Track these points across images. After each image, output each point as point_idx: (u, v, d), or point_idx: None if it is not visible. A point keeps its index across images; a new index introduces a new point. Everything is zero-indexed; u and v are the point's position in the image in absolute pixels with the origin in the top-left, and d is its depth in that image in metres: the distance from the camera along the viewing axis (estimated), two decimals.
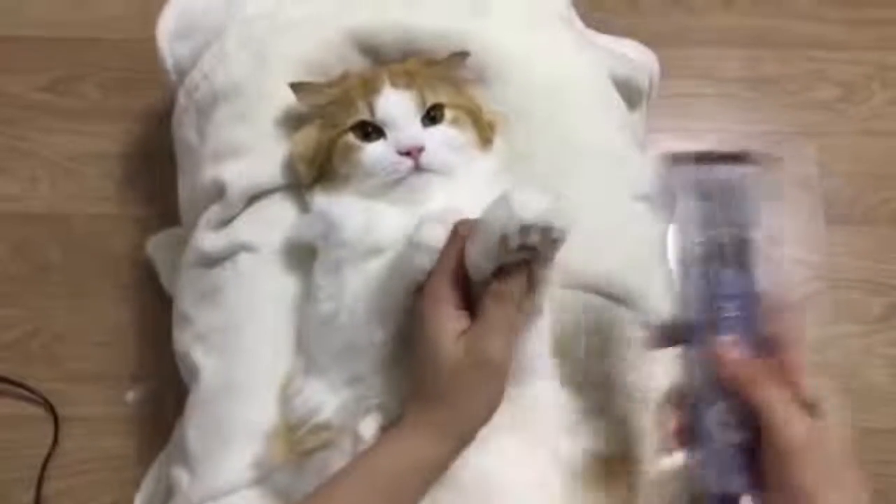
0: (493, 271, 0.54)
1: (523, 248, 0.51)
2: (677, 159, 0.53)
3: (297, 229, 0.72)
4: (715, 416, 0.51)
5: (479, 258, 0.53)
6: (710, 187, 0.53)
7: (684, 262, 0.53)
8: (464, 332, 0.54)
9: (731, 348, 0.52)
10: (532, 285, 0.56)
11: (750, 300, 0.53)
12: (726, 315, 0.52)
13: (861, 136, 1.09)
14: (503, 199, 0.51)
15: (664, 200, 0.54)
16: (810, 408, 0.50)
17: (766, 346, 0.53)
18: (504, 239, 0.50)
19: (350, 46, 0.77)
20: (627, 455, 0.66)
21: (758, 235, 0.54)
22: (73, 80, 1.09)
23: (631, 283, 0.73)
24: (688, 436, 0.53)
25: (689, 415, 0.53)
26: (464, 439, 0.57)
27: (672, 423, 0.54)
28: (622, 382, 0.69)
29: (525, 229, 0.50)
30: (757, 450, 0.51)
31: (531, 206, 0.49)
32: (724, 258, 0.53)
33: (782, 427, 0.49)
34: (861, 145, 1.09)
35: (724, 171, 0.53)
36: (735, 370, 0.51)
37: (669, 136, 1.08)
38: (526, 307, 0.57)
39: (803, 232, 1.04)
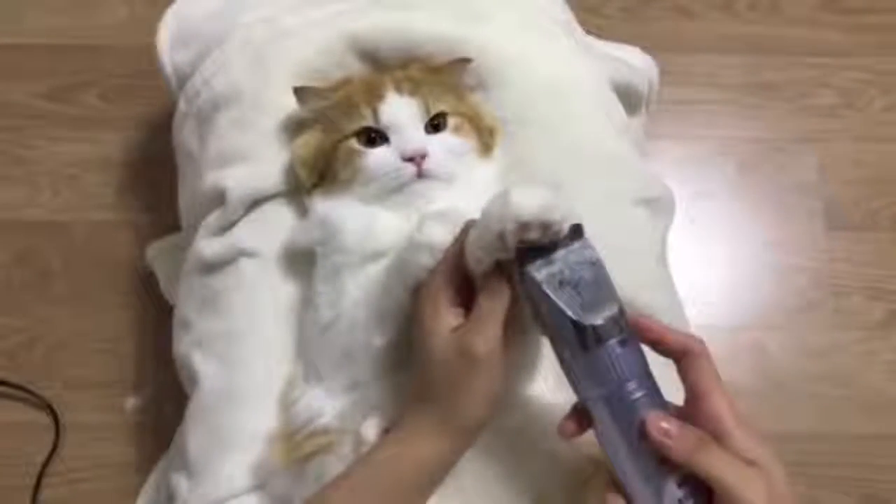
0: (491, 267, 0.54)
1: (521, 243, 0.51)
2: (530, 255, 0.51)
3: (296, 235, 0.72)
4: (670, 494, 0.49)
5: (477, 254, 0.53)
6: (569, 275, 0.51)
7: (574, 354, 0.51)
8: (458, 329, 0.55)
9: (660, 425, 0.49)
10: None
11: (647, 373, 0.52)
12: (638, 395, 0.50)
13: (862, 142, 1.09)
14: (501, 196, 0.51)
15: (540, 301, 0.52)
16: (750, 464, 0.48)
17: (682, 412, 0.52)
18: (502, 235, 0.50)
19: (350, 53, 0.78)
20: None
21: (619, 303, 0.52)
22: (74, 87, 1.09)
23: (629, 287, 0.72)
24: None
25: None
26: (462, 438, 0.56)
27: None
28: None
29: (523, 226, 0.50)
30: None
31: (529, 203, 0.49)
32: (607, 340, 0.50)
33: (739, 491, 0.47)
34: (861, 151, 1.09)
35: (573, 253, 0.52)
36: (678, 444, 0.49)
37: (669, 143, 1.08)
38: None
39: (803, 238, 1.04)
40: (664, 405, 0.52)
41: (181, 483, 0.71)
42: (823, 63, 1.12)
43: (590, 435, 0.65)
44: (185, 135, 0.81)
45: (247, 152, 0.75)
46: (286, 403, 0.68)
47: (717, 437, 0.50)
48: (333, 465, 0.60)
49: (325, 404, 0.64)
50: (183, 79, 0.82)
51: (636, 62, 0.92)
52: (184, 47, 0.82)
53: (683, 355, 0.52)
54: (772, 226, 1.05)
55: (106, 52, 1.10)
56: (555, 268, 0.51)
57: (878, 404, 0.97)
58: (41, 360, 0.97)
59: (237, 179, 0.74)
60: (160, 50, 0.83)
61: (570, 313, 0.50)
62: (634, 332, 0.52)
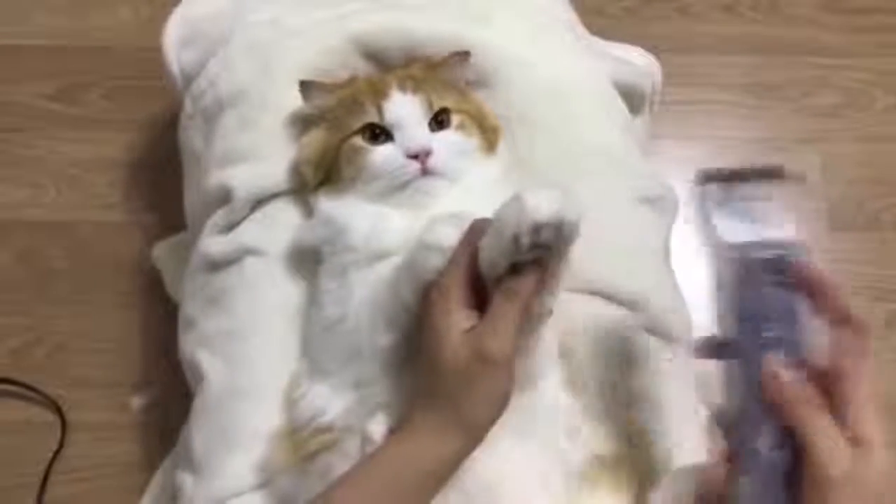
0: (505, 270, 0.54)
1: (536, 246, 0.52)
2: (709, 177, 0.52)
3: (302, 233, 0.73)
4: (762, 438, 0.49)
5: (491, 257, 0.54)
6: (744, 205, 0.51)
7: (722, 283, 0.52)
8: (469, 329, 0.55)
9: (779, 368, 0.49)
10: (545, 284, 0.56)
11: (794, 321, 0.51)
12: (770, 335, 0.50)
13: (863, 142, 1.09)
14: (516, 200, 0.51)
15: (698, 220, 0.52)
16: (856, 441, 0.48)
17: (816, 371, 0.51)
18: (517, 238, 0.51)
19: (354, 52, 0.78)
20: (630, 458, 0.66)
21: (796, 253, 0.51)
22: (79, 88, 1.09)
23: (633, 286, 0.73)
24: (735, 457, 0.51)
25: (736, 435, 0.51)
26: (470, 438, 0.56)
27: (720, 445, 0.52)
28: (624, 384, 0.69)
29: (537, 228, 0.50)
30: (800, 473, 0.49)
31: (544, 206, 0.50)
32: (763, 277, 0.50)
33: (824, 458, 0.46)
34: (863, 151, 1.09)
35: (756, 189, 0.52)
36: (782, 392, 0.49)
37: (671, 143, 1.08)
38: (537, 306, 0.57)
39: (806, 239, 1.04)
40: (800, 357, 0.50)
41: (186, 481, 0.71)
42: (825, 63, 1.13)
43: (590, 435, 0.66)
44: (190, 134, 0.82)
45: (252, 151, 0.76)
46: (290, 401, 0.68)
47: (839, 406, 0.49)
48: (338, 463, 0.61)
49: (329, 402, 0.64)
50: (189, 79, 0.82)
51: (639, 62, 0.92)
52: (190, 47, 0.83)
53: (845, 322, 0.51)
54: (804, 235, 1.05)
55: (110, 52, 1.11)
56: (744, 193, 0.52)
57: (881, 405, 0.97)
58: (46, 359, 0.97)
59: (242, 178, 0.74)
60: (166, 50, 0.83)
61: (745, 240, 0.50)
62: (801, 277, 0.51)
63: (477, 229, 0.56)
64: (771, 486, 0.49)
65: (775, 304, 0.50)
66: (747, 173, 0.52)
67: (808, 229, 0.52)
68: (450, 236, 0.56)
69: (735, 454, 0.51)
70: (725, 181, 0.52)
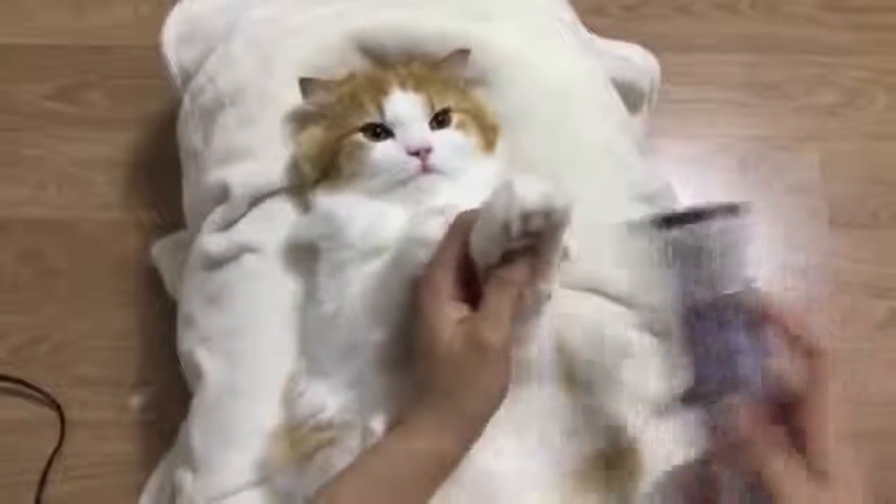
0: (497, 259, 0.54)
1: (526, 234, 0.52)
2: (667, 221, 0.51)
3: (299, 229, 0.73)
4: (734, 482, 0.49)
5: (482, 246, 0.54)
6: (706, 245, 0.50)
7: (689, 324, 0.50)
8: (461, 321, 0.55)
9: (743, 412, 0.49)
10: (537, 272, 0.56)
11: (761, 359, 0.50)
12: (740, 375, 0.50)
13: (863, 141, 1.09)
14: (504, 188, 0.51)
15: (656, 265, 0.51)
16: (821, 476, 0.47)
17: (784, 407, 0.51)
18: (506, 226, 0.51)
19: (353, 50, 0.78)
20: (626, 455, 0.66)
21: (756, 288, 0.51)
22: (79, 87, 1.09)
23: (629, 284, 0.73)
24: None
25: (711, 482, 0.51)
26: (468, 432, 0.56)
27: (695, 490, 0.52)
28: (621, 381, 0.69)
29: (526, 215, 0.50)
30: None
31: (532, 193, 0.50)
32: (721, 318, 0.50)
33: (785, 491, 0.46)
34: (863, 150, 1.09)
35: (716, 227, 0.51)
36: (747, 436, 0.48)
37: (670, 141, 1.08)
38: (532, 293, 0.57)
39: (806, 237, 1.04)
40: (762, 396, 0.50)
41: (186, 478, 0.71)
42: (824, 62, 1.13)
43: (587, 433, 0.66)
44: (189, 132, 0.82)
45: (250, 149, 0.76)
46: (289, 398, 0.68)
47: (805, 440, 0.49)
48: (337, 460, 0.61)
49: (328, 399, 0.64)
50: (187, 77, 0.83)
51: (638, 60, 0.92)
52: (189, 45, 0.83)
53: (817, 356, 0.51)
54: (773, 224, 1.05)
55: (109, 51, 1.11)
56: (689, 235, 0.51)
57: (880, 402, 0.97)
58: (46, 357, 0.97)
59: (241, 176, 0.74)
60: (165, 48, 0.84)
61: (689, 283, 0.50)
62: (766, 314, 0.51)
63: (461, 222, 0.56)
64: None
65: (735, 344, 0.50)
66: (704, 212, 0.51)
67: (761, 262, 0.51)
68: (436, 230, 0.57)
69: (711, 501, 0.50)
70: (681, 223, 0.51)
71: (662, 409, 0.54)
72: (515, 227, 0.51)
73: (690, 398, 0.51)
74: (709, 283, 0.50)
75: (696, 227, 0.50)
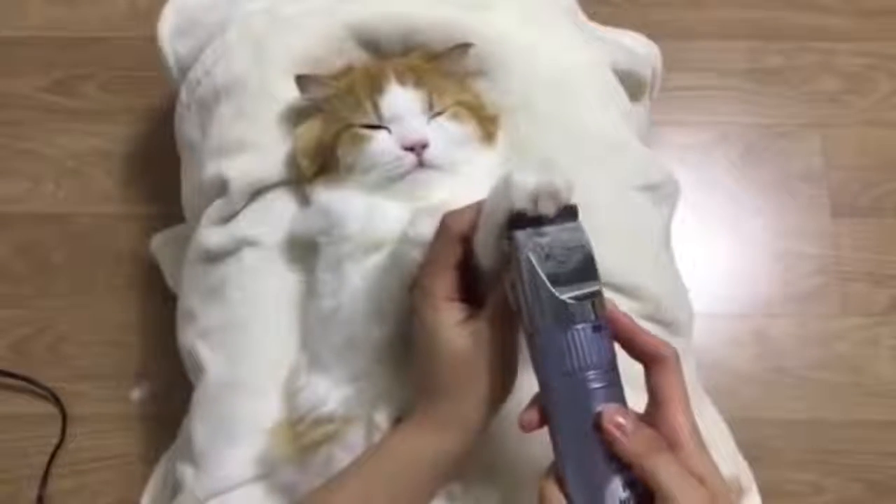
0: (501, 259, 0.52)
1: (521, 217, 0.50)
2: (520, 221, 0.50)
3: (297, 224, 0.72)
4: (613, 492, 0.47)
5: (489, 243, 0.52)
6: (556, 250, 0.49)
7: (541, 332, 0.49)
8: (462, 322, 0.54)
9: (616, 419, 0.47)
10: None
11: (612, 366, 0.50)
12: (595, 385, 0.48)
13: (866, 127, 1.09)
14: (504, 179, 0.50)
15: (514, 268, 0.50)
16: (698, 478, 0.46)
17: (642, 418, 0.50)
18: (510, 213, 0.49)
19: (351, 40, 0.77)
20: None
21: (599, 289, 0.50)
22: (75, 79, 1.09)
23: (634, 274, 0.73)
24: None
25: (582, 496, 0.48)
26: (471, 432, 0.56)
27: None
28: (625, 373, 0.69)
29: (533, 197, 0.48)
30: None
31: (531, 175, 0.48)
32: (580, 321, 0.48)
33: (680, 500, 0.44)
34: (866, 136, 1.08)
35: (566, 231, 0.50)
36: (626, 441, 0.47)
37: (672, 129, 1.07)
38: None
39: (808, 224, 1.04)
40: (623, 404, 0.50)
41: (187, 473, 0.71)
42: (827, 48, 1.12)
43: None
44: (186, 125, 0.81)
45: (248, 142, 0.75)
46: (290, 392, 0.68)
47: (671, 445, 0.48)
48: (339, 454, 0.61)
49: (329, 393, 0.64)
50: (184, 69, 0.82)
51: (639, 49, 0.91)
52: (185, 37, 0.82)
53: (652, 360, 0.50)
54: (775, 212, 1.05)
55: (106, 43, 1.11)
56: (544, 240, 0.49)
57: (882, 390, 0.97)
58: (46, 352, 0.97)
59: (239, 169, 0.74)
60: (161, 40, 0.83)
61: (549, 284, 0.48)
62: (608, 324, 0.50)
63: (449, 221, 0.54)
64: None
65: (591, 351, 0.49)
66: (547, 218, 0.49)
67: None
68: (431, 229, 0.55)
69: None
70: (533, 226, 0.50)
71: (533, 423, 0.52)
72: (529, 212, 0.49)
73: (554, 409, 0.50)
74: (565, 284, 0.49)
75: (545, 230, 0.50)
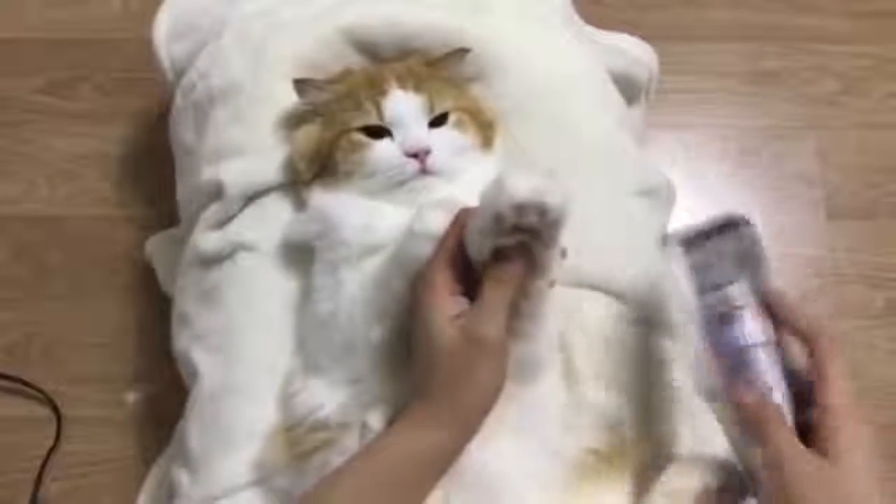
0: (492, 254, 0.54)
1: (519, 229, 0.51)
2: (677, 240, 0.58)
3: (294, 228, 0.72)
4: (755, 459, 0.53)
5: (476, 239, 0.53)
6: (715, 258, 0.57)
7: (699, 338, 0.57)
8: (458, 316, 0.55)
9: (747, 391, 0.53)
10: (534, 270, 0.55)
11: (774, 347, 0.56)
12: (756, 365, 0.56)
13: (862, 129, 1.09)
14: (497, 181, 0.51)
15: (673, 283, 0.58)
16: (828, 453, 0.50)
17: (802, 389, 0.55)
18: (498, 218, 0.50)
19: (347, 44, 0.77)
20: (628, 450, 0.66)
21: (769, 285, 0.57)
22: (71, 81, 1.09)
23: (629, 279, 0.73)
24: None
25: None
26: (466, 426, 0.56)
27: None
28: (621, 378, 0.69)
29: (519, 208, 0.50)
30: None
31: (524, 186, 0.49)
32: (742, 314, 0.56)
33: (786, 466, 0.48)
34: (862, 139, 1.08)
35: (718, 244, 0.58)
36: (749, 412, 0.52)
37: (669, 132, 1.07)
38: (527, 292, 0.57)
39: (804, 227, 1.04)
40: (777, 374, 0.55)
41: (182, 478, 0.71)
42: (823, 50, 1.12)
43: (590, 429, 0.66)
44: (181, 128, 0.81)
45: (244, 145, 0.75)
46: (286, 397, 0.68)
47: (817, 419, 0.52)
48: (334, 460, 0.60)
49: (325, 397, 0.64)
50: (180, 71, 0.82)
51: (635, 51, 0.91)
52: (180, 39, 0.82)
53: (816, 339, 0.54)
54: (772, 214, 1.04)
55: (103, 45, 1.10)
56: (700, 252, 0.57)
57: (879, 393, 0.97)
58: (41, 354, 0.97)
59: (234, 173, 0.74)
60: (157, 42, 0.83)
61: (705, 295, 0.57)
62: (771, 306, 0.57)
63: (462, 218, 0.55)
64: None
65: (757, 334, 0.56)
66: (708, 230, 0.58)
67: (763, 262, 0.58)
68: (439, 223, 0.56)
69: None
70: (688, 243, 0.58)
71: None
72: (507, 221, 0.50)
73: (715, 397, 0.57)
74: (721, 291, 0.57)
75: (710, 245, 0.57)
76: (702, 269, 0.57)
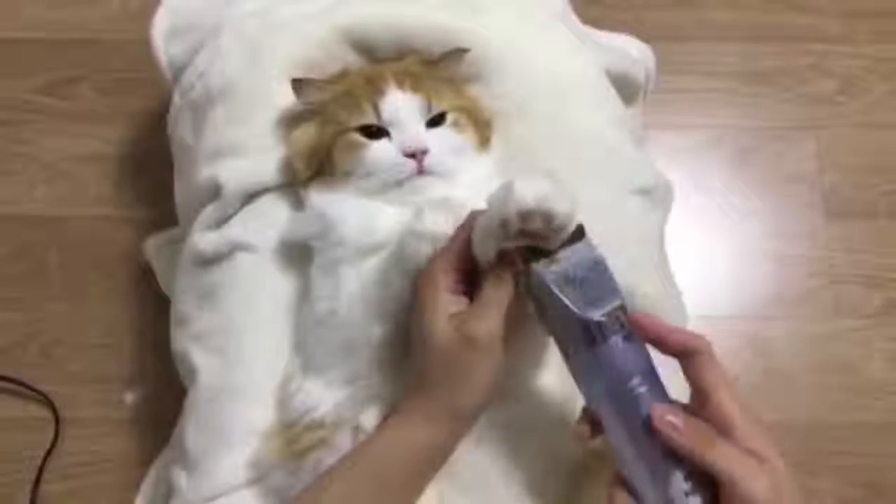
0: (494, 256, 0.54)
1: (525, 234, 0.51)
2: (536, 254, 0.53)
3: (292, 228, 0.72)
4: (673, 488, 0.49)
5: (482, 242, 0.54)
6: (573, 274, 0.53)
7: (578, 353, 0.53)
8: (456, 314, 0.55)
9: (667, 417, 0.49)
10: None
11: (650, 368, 0.52)
12: (640, 390, 0.51)
13: (860, 129, 1.09)
14: (505, 186, 0.51)
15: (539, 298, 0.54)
16: (752, 454, 0.48)
17: (688, 409, 0.52)
18: (504, 223, 0.51)
19: (345, 44, 0.77)
20: None
21: (621, 300, 0.53)
22: (69, 82, 1.08)
23: (629, 277, 0.72)
24: None
25: (649, 495, 0.51)
26: (460, 423, 0.57)
27: None
28: None
29: (524, 214, 0.50)
30: None
31: (531, 192, 0.50)
32: (611, 335, 0.51)
33: (746, 486, 0.46)
34: (860, 138, 1.08)
35: (577, 253, 0.53)
36: (679, 437, 0.49)
37: (667, 132, 1.07)
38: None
39: (801, 227, 1.04)
40: (668, 401, 0.52)
41: (180, 477, 0.71)
42: (822, 50, 1.12)
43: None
44: (180, 128, 0.81)
45: (242, 145, 0.75)
46: (283, 397, 0.68)
47: (723, 431, 0.50)
48: (329, 459, 0.60)
49: (321, 397, 0.64)
50: (178, 71, 0.82)
51: (633, 51, 0.91)
52: (178, 39, 0.82)
53: (687, 354, 0.52)
54: (769, 214, 1.05)
55: (101, 45, 1.10)
56: (559, 266, 0.53)
57: (876, 392, 0.97)
58: (39, 355, 0.97)
59: (233, 173, 0.74)
60: (155, 42, 0.83)
61: (574, 309, 0.51)
62: (634, 330, 0.53)
63: (471, 221, 0.56)
64: None
65: (628, 360, 0.52)
66: (560, 242, 0.53)
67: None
68: (439, 223, 0.57)
69: None
70: (545, 255, 0.53)
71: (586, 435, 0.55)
72: (513, 226, 0.51)
73: (608, 420, 0.53)
74: (590, 304, 0.52)
75: (558, 256, 0.53)
76: (569, 282, 0.52)
